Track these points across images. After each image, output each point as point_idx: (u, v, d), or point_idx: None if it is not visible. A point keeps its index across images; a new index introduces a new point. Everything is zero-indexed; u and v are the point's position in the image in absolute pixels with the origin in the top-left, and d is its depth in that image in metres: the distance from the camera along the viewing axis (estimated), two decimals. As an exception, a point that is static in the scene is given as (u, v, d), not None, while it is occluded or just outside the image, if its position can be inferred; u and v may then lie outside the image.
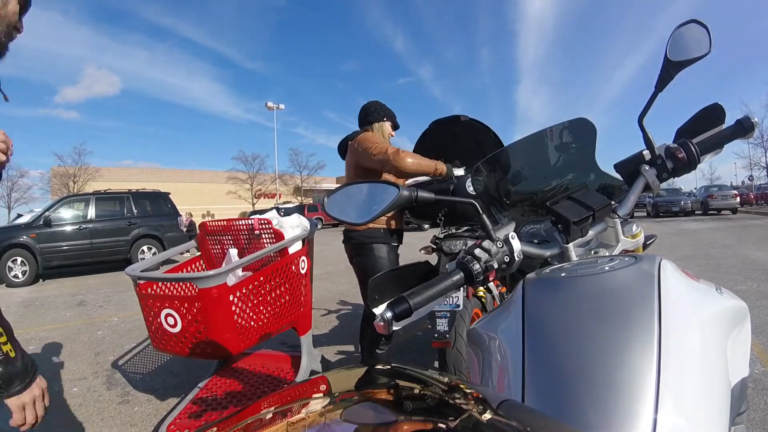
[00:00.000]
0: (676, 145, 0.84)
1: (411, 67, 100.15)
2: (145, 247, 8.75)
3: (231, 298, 1.70)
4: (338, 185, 0.80)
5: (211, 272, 1.64)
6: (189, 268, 2.34)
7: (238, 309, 1.74)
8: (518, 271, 0.72)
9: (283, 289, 1.97)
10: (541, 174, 1.05)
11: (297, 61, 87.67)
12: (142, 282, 1.82)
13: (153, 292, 1.86)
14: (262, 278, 1.86)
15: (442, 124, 2.67)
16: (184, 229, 9.37)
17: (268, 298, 1.91)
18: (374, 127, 2.31)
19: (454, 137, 2.63)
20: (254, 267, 2.07)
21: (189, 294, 1.97)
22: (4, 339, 1.03)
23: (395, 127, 2.41)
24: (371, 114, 2.33)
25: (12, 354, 1.00)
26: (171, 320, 1.69)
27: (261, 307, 1.87)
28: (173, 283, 2.03)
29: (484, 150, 2.46)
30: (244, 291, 1.77)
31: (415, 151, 2.76)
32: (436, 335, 1.77)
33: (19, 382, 0.96)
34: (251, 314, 1.81)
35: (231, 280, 1.79)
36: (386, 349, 2.40)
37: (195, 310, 1.66)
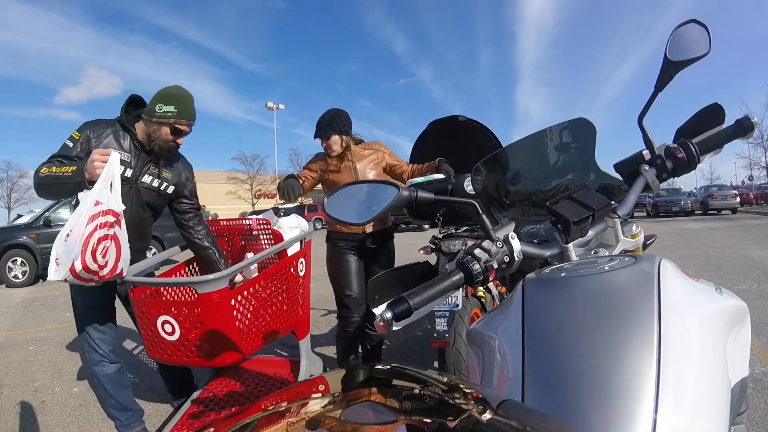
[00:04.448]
0: (675, 145, 0.84)
1: (411, 68, 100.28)
2: (145, 248, 8.73)
3: (232, 302, 1.64)
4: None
5: (211, 276, 1.58)
6: (182, 272, 2.26)
7: (239, 314, 1.67)
8: (518, 271, 0.72)
9: (282, 291, 1.93)
10: (541, 174, 1.05)
11: (298, 62, 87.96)
12: (135, 287, 1.71)
13: (148, 297, 1.73)
14: (262, 281, 1.82)
15: (440, 124, 2.67)
16: None
17: (269, 301, 1.87)
18: (345, 138, 2.30)
19: (451, 138, 2.64)
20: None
21: (187, 299, 1.87)
22: (65, 169, 1.57)
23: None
24: (346, 125, 2.31)
25: (71, 170, 1.56)
26: (168, 327, 1.60)
27: (262, 311, 1.82)
28: (170, 287, 1.92)
29: (482, 151, 2.47)
30: (245, 294, 1.71)
31: (412, 151, 2.77)
32: (436, 335, 1.77)
33: (81, 176, 1.54)
34: (252, 319, 1.75)
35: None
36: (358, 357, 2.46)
37: (194, 317, 1.59)
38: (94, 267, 1.46)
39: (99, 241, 1.47)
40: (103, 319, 1.85)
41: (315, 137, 2.28)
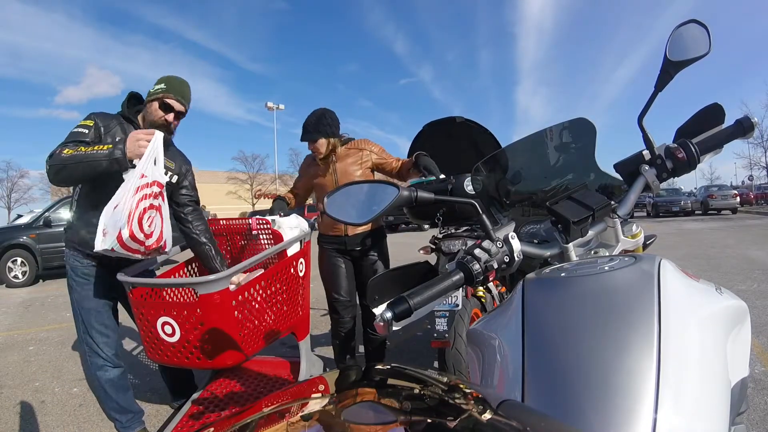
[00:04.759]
0: (675, 145, 0.84)
1: (411, 68, 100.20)
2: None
3: (233, 303, 1.63)
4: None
5: (211, 277, 1.56)
6: (182, 272, 2.23)
7: (240, 315, 1.65)
8: (518, 271, 0.72)
9: (282, 292, 1.92)
10: (541, 174, 1.05)
11: (298, 63, 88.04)
12: (135, 287, 1.68)
13: (147, 298, 1.71)
14: (263, 282, 1.80)
15: (436, 126, 2.66)
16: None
17: (270, 302, 1.86)
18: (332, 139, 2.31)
19: (449, 139, 2.63)
20: (252, 270, 2.00)
21: (188, 300, 1.85)
22: (100, 147, 1.55)
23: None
24: (336, 126, 2.33)
25: (107, 147, 1.54)
26: (168, 329, 1.58)
27: (263, 312, 1.81)
28: (170, 289, 1.91)
29: (481, 151, 2.46)
30: (245, 295, 1.70)
31: (409, 152, 2.75)
32: (435, 335, 1.77)
33: (120, 153, 1.53)
34: (253, 320, 1.74)
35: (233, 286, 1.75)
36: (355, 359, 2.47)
37: (194, 318, 1.57)
38: (140, 236, 1.51)
39: (145, 210, 1.53)
40: (105, 323, 1.83)
41: (301, 140, 2.26)
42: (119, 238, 1.46)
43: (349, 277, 2.33)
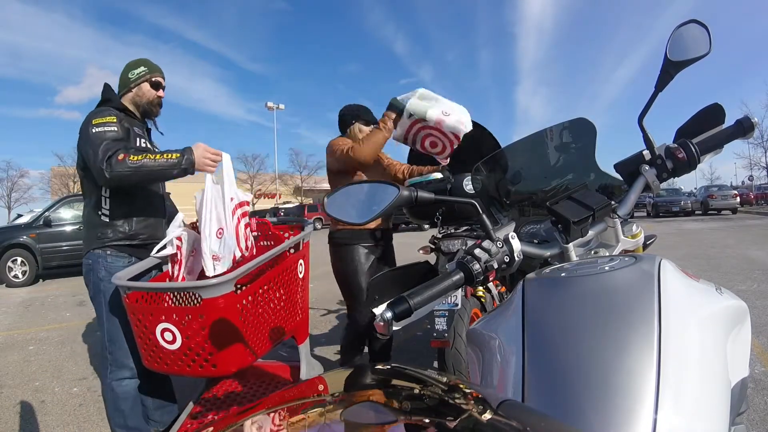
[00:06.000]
0: (676, 145, 0.84)
1: (411, 68, 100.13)
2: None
3: (237, 307, 1.56)
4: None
5: (214, 280, 1.49)
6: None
7: (244, 320, 1.60)
8: (518, 271, 0.72)
9: (285, 295, 1.89)
10: (541, 174, 1.05)
11: (298, 63, 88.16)
12: (130, 291, 1.59)
13: (145, 303, 1.63)
14: (265, 285, 1.76)
15: None
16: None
17: (272, 305, 1.83)
18: (348, 133, 2.30)
19: None
20: (252, 272, 1.98)
21: (190, 305, 1.77)
22: (168, 156, 1.65)
23: (369, 122, 2.28)
24: (342, 121, 2.33)
25: (175, 156, 1.65)
26: (169, 336, 1.50)
27: (266, 316, 1.77)
28: (170, 293, 1.81)
29: (481, 151, 2.45)
30: (249, 299, 1.66)
31: (409, 154, 2.71)
32: (435, 335, 1.77)
33: (189, 164, 1.65)
34: (257, 324, 1.70)
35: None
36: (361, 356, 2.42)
37: (197, 324, 1.49)
38: (246, 253, 1.73)
39: (246, 227, 1.76)
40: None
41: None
42: (234, 260, 1.66)
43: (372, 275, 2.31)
